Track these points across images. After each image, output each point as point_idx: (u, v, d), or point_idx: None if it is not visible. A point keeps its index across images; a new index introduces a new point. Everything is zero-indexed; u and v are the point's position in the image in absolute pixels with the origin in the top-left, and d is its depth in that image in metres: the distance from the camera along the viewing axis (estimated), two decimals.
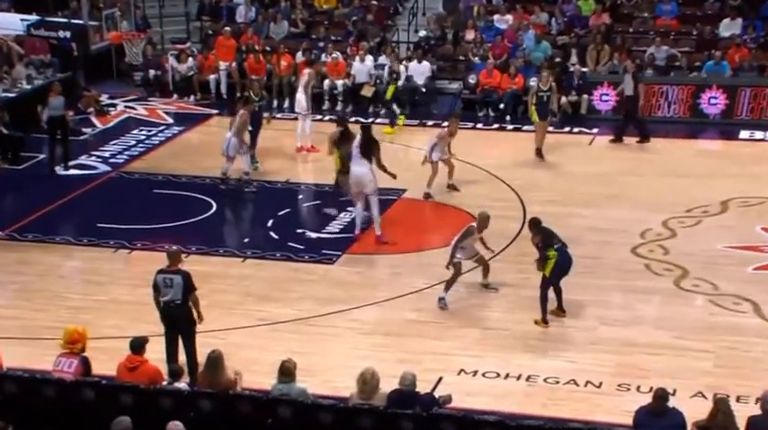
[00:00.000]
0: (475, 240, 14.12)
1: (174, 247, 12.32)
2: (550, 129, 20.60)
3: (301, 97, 20.38)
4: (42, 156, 20.45)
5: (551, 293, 13.47)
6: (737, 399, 11.34)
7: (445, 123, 18.28)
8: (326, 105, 23.56)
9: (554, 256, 13.24)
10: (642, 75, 22.64)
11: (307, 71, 20.97)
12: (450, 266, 13.85)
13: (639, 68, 22.33)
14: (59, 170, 19.54)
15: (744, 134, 21.49)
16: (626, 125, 21.17)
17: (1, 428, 9.43)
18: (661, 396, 9.78)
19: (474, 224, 14.14)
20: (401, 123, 22.15)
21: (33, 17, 19.32)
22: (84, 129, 21.92)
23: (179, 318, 11.89)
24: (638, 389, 11.86)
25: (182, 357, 11.86)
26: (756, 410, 9.90)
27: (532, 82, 21.71)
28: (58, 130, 19.52)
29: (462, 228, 14.12)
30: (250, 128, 18.64)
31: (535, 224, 13.78)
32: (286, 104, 23.30)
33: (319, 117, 22.82)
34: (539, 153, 19.94)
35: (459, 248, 13.89)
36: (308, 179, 19.34)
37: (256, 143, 19.39)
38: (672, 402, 9.90)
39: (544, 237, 13.46)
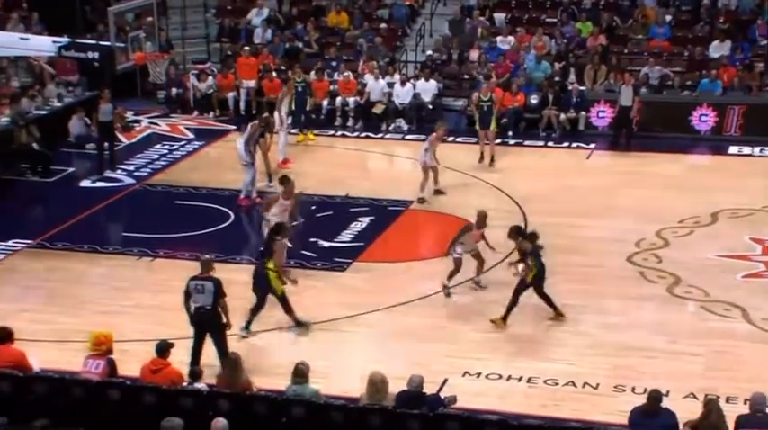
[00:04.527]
0: (473, 237, 14.45)
1: (207, 256, 12.33)
2: (549, 144, 20.57)
3: (276, 113, 20.60)
4: (72, 169, 20.51)
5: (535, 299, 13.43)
6: (727, 400, 11.30)
7: (433, 135, 18.39)
8: (338, 122, 23.62)
9: (535, 264, 13.24)
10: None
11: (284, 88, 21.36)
12: (451, 258, 14.30)
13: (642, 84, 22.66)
14: (87, 182, 19.63)
15: (732, 149, 21.47)
16: (618, 132, 21.45)
17: (44, 426, 9.43)
18: (655, 397, 9.77)
19: (472, 222, 14.60)
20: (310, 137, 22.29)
21: (64, 39, 19.37)
22: None
23: (208, 322, 11.91)
24: (632, 390, 11.83)
25: (206, 360, 11.88)
26: (744, 410, 9.90)
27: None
28: (107, 135, 19.86)
29: (462, 226, 14.70)
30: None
31: (518, 232, 13.85)
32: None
33: (331, 133, 22.92)
34: (481, 159, 20.29)
35: (458, 244, 14.31)
36: (320, 191, 19.22)
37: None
38: (665, 403, 9.89)
39: (535, 246, 13.42)
